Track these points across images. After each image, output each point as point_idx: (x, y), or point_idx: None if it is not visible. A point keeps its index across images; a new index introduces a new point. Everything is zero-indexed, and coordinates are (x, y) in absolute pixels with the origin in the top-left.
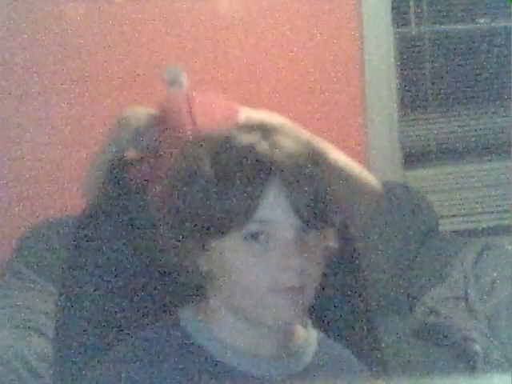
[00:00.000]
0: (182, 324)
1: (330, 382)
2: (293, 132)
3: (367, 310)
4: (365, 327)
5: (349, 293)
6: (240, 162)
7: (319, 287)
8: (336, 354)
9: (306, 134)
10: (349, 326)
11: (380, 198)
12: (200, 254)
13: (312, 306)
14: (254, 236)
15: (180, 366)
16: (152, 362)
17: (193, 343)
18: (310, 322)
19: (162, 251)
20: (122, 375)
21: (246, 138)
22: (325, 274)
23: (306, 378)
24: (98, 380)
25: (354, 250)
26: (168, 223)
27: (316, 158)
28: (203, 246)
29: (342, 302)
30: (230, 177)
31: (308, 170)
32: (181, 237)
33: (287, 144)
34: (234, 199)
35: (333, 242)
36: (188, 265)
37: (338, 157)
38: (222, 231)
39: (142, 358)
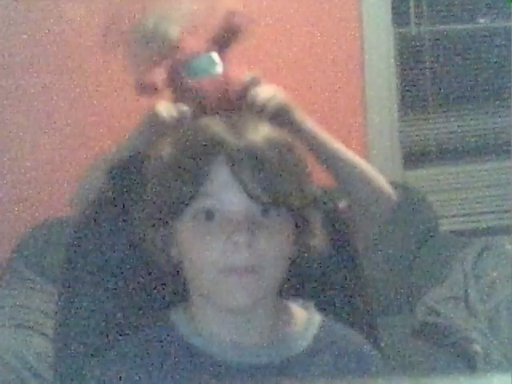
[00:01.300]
0: (173, 324)
1: (324, 367)
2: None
3: (367, 310)
4: (365, 327)
5: (348, 293)
6: (191, 141)
7: (285, 272)
8: (340, 338)
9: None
10: (349, 325)
11: (393, 205)
12: (167, 238)
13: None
14: (207, 214)
15: (174, 366)
16: (147, 364)
17: (183, 342)
18: (312, 304)
19: (136, 239)
20: (119, 377)
21: (204, 123)
22: (325, 274)
23: (299, 363)
24: (96, 381)
25: (354, 249)
26: (138, 210)
27: (279, 144)
28: (168, 229)
29: (342, 302)
30: (181, 157)
31: (261, 155)
32: (147, 221)
33: (247, 129)
34: (183, 176)
35: (312, 235)
36: (160, 253)
37: (361, 165)
38: (176, 209)
39: (136, 360)
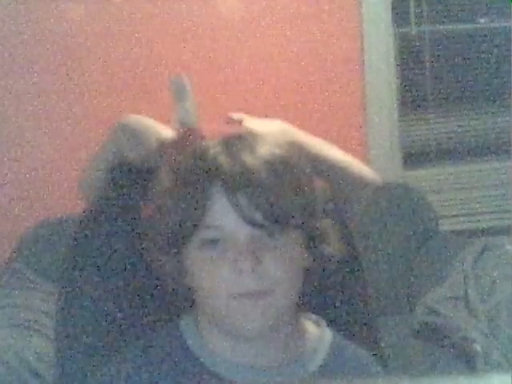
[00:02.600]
0: (181, 335)
1: None
2: (269, 141)
3: (367, 310)
4: (365, 327)
5: (348, 293)
6: (190, 169)
7: (297, 291)
8: (351, 357)
9: (305, 138)
10: (349, 325)
11: (379, 190)
12: (177, 267)
13: (313, 307)
14: (208, 243)
15: (179, 378)
16: (153, 372)
17: (191, 355)
18: (323, 321)
19: (148, 264)
20: (124, 382)
21: (202, 148)
22: (324, 274)
23: None
24: None
25: (354, 249)
26: (145, 236)
27: (279, 163)
28: (176, 258)
29: (342, 302)
30: (182, 186)
31: (257, 179)
32: (154, 248)
33: (243, 152)
34: (184, 207)
35: (322, 246)
36: (172, 281)
37: (333, 153)
38: (180, 240)
39: (142, 367)
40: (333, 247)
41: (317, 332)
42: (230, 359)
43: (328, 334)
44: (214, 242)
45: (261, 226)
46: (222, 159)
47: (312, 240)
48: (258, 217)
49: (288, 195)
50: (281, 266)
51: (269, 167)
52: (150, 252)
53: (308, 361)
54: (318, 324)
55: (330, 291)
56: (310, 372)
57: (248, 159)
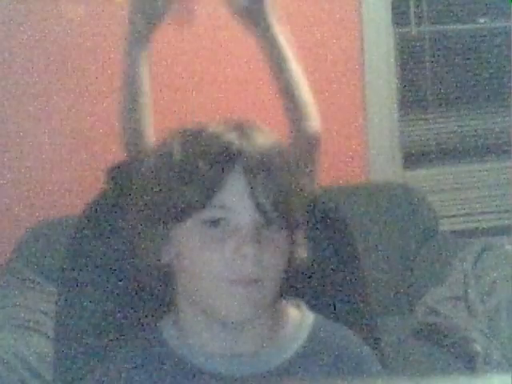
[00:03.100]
0: (162, 335)
1: (320, 367)
2: (270, 131)
3: (367, 310)
4: (365, 327)
5: (348, 293)
6: (205, 149)
7: (279, 285)
8: (333, 339)
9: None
10: (348, 325)
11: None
12: (162, 242)
13: (312, 305)
14: (213, 222)
15: (164, 378)
16: (138, 377)
17: (172, 353)
18: (303, 302)
19: (129, 240)
20: None
21: (216, 129)
22: (324, 274)
23: (294, 366)
24: None
25: (354, 250)
26: (134, 209)
27: (287, 159)
28: (166, 233)
29: (342, 302)
30: (193, 163)
31: (274, 166)
32: (144, 222)
33: (258, 138)
34: (196, 183)
35: (300, 247)
36: (150, 255)
37: (296, 74)
38: (182, 215)
39: (125, 371)
40: (303, 250)
41: (297, 316)
42: (210, 350)
43: (309, 317)
44: (215, 223)
45: (268, 215)
46: (241, 142)
47: (293, 231)
48: (268, 204)
49: (296, 186)
50: (274, 256)
51: (280, 155)
52: (138, 221)
53: (287, 346)
54: (298, 307)
55: (330, 291)
56: (292, 354)
57: (264, 144)
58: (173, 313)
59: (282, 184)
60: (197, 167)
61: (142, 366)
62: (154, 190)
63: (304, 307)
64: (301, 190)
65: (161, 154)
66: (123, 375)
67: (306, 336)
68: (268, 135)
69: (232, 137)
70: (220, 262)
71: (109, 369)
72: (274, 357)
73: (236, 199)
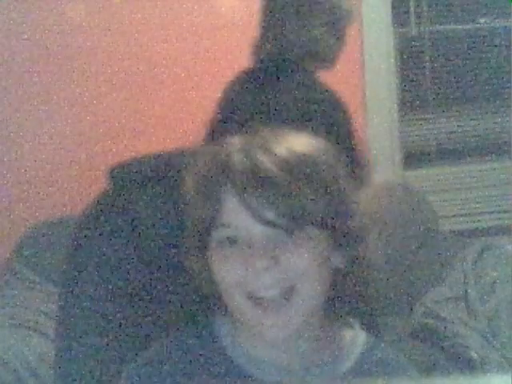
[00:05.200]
0: (214, 331)
1: None
2: (291, 139)
3: (367, 310)
4: (364, 327)
5: (348, 293)
6: (204, 169)
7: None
8: (384, 359)
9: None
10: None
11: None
12: (202, 265)
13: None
14: (226, 241)
15: (212, 377)
16: (183, 371)
17: (222, 351)
18: (356, 322)
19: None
20: (153, 379)
21: (218, 147)
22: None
23: None
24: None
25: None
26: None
27: (299, 158)
28: (200, 256)
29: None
30: (197, 186)
31: (270, 172)
32: (186, 248)
33: (262, 144)
34: (201, 207)
35: (334, 254)
36: (199, 278)
37: None
38: (200, 239)
39: (173, 365)
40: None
41: (349, 334)
42: (260, 356)
43: (361, 336)
44: (231, 240)
45: (274, 225)
46: (235, 158)
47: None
48: (271, 215)
49: (306, 193)
50: (304, 265)
51: (284, 165)
52: (181, 252)
53: (339, 362)
54: (351, 326)
55: (329, 291)
56: (341, 373)
57: (261, 158)
58: (227, 315)
59: (284, 193)
60: (198, 190)
61: (192, 353)
62: (185, 213)
63: (357, 326)
64: (322, 193)
65: (182, 179)
66: (173, 356)
67: (358, 355)
68: (283, 145)
69: (227, 153)
70: (238, 278)
71: (163, 345)
72: (327, 372)
73: (237, 216)
